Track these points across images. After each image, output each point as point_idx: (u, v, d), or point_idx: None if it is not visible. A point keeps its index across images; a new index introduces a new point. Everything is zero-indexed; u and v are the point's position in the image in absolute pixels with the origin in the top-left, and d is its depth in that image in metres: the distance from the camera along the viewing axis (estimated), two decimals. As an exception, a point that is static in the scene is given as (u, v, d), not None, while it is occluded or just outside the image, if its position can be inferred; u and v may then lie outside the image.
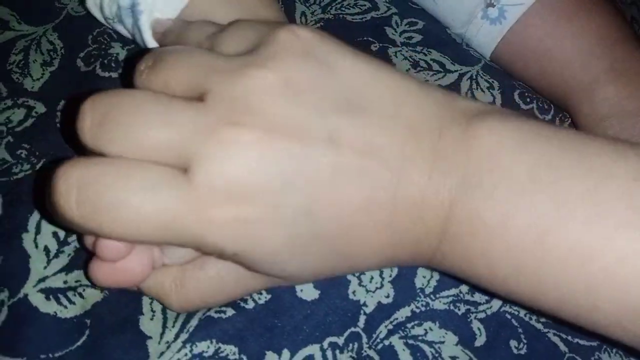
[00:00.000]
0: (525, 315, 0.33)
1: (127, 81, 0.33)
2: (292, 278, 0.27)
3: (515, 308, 0.33)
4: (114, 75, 0.37)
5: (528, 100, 0.41)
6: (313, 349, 0.29)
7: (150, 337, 0.29)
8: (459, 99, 0.26)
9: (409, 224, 0.25)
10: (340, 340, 0.30)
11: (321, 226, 0.24)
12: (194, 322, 0.29)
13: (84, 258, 0.30)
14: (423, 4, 0.44)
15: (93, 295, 0.29)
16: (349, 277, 0.32)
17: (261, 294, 0.30)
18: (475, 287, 0.31)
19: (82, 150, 0.23)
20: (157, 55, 0.24)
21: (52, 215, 0.23)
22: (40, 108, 0.35)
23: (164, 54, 0.24)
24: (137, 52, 0.37)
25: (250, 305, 0.30)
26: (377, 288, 0.32)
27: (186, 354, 0.28)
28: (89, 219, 0.22)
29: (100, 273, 0.25)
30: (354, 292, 0.32)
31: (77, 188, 0.22)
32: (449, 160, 0.24)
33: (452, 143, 0.24)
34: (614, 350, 0.33)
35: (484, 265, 0.25)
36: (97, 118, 0.22)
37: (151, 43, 0.32)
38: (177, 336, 0.29)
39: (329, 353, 0.29)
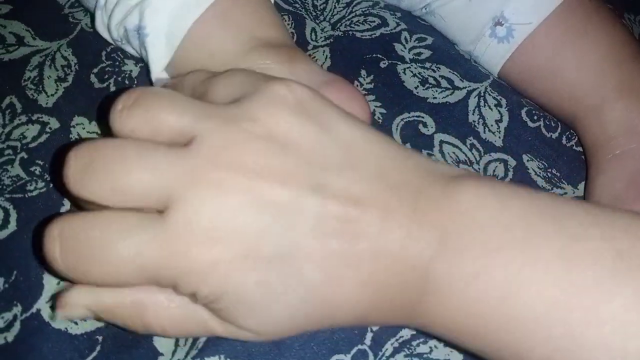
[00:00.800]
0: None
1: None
2: (262, 332, 0.25)
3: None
4: (127, 92, 0.37)
5: (535, 118, 0.41)
6: (320, 367, 0.30)
7: (162, 354, 0.29)
8: (439, 164, 0.27)
9: (390, 277, 0.24)
10: (347, 358, 0.30)
11: (298, 275, 0.23)
12: (203, 339, 0.30)
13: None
14: (432, 21, 0.45)
15: (105, 313, 0.30)
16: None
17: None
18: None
19: (72, 199, 0.24)
20: (138, 94, 0.24)
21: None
22: (55, 124, 0.36)
23: (147, 94, 0.24)
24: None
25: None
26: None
27: (195, 370, 0.29)
28: (73, 269, 0.23)
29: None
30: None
31: (59, 241, 0.23)
32: (427, 218, 0.24)
33: (431, 202, 0.25)
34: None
35: (454, 323, 0.25)
36: (80, 166, 0.23)
37: (156, 67, 0.33)
38: (187, 354, 0.29)
39: (335, 371, 0.30)
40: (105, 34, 0.36)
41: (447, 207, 0.24)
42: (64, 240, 0.23)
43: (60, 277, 0.24)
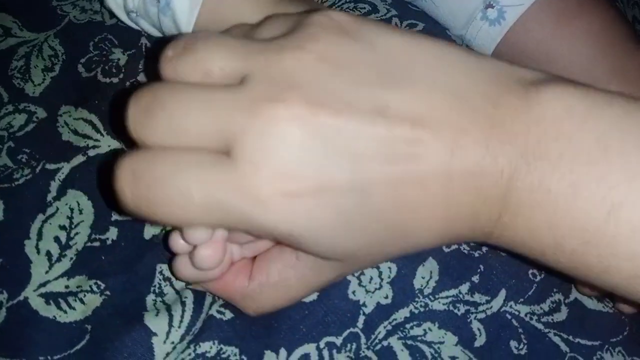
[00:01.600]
0: (526, 316, 0.33)
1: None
2: (352, 260, 0.25)
3: (516, 308, 0.33)
4: (115, 80, 0.37)
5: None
6: (309, 348, 0.29)
7: (156, 334, 0.29)
8: (516, 67, 0.25)
9: (465, 196, 0.23)
10: (338, 341, 0.30)
11: (372, 201, 0.23)
12: (198, 324, 0.29)
13: (85, 262, 0.30)
14: (423, 6, 0.44)
15: (93, 301, 0.30)
16: (349, 277, 0.32)
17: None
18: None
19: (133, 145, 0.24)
20: (187, 41, 0.24)
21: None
22: (41, 113, 0.35)
23: (195, 40, 0.24)
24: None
25: (248, 307, 0.30)
26: (376, 289, 0.32)
27: (190, 354, 0.28)
28: (143, 205, 0.23)
29: (182, 267, 0.27)
30: (353, 292, 0.32)
31: (130, 179, 0.22)
32: (506, 129, 0.23)
33: (510, 111, 0.23)
34: (617, 349, 0.33)
35: (549, 238, 0.23)
36: (141, 110, 0.22)
37: (185, 26, 0.33)
38: (182, 338, 0.29)
39: (325, 352, 0.29)
40: (116, 9, 0.36)
41: (529, 116, 0.23)
42: (135, 177, 0.22)
43: (129, 214, 0.23)
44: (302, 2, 0.33)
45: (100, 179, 0.33)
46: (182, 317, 0.30)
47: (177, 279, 0.30)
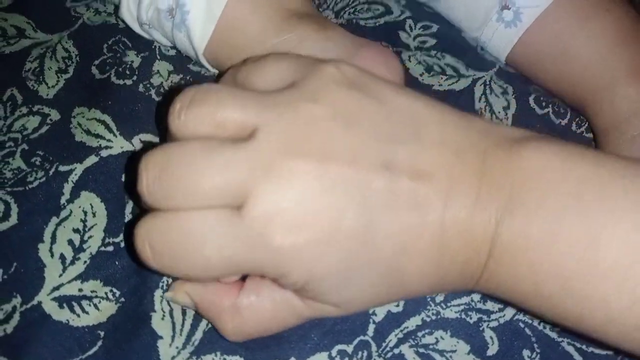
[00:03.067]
0: (539, 324, 0.33)
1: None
2: (346, 306, 0.27)
3: (529, 317, 0.33)
4: (129, 82, 0.37)
5: (544, 104, 0.40)
6: (321, 357, 0.29)
7: (161, 337, 0.29)
8: (501, 126, 0.27)
9: (457, 245, 0.25)
10: (350, 348, 0.30)
11: (375, 249, 0.24)
12: (198, 335, 0.29)
13: (100, 267, 0.31)
14: (437, 8, 0.44)
15: (109, 309, 0.30)
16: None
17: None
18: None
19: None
20: (196, 93, 0.24)
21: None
22: (55, 115, 0.36)
23: (206, 91, 0.24)
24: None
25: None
26: (387, 296, 0.32)
27: (194, 366, 0.29)
28: (166, 269, 0.25)
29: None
30: (364, 301, 0.32)
31: (149, 251, 0.24)
32: (495, 181, 0.25)
33: (497, 164, 0.25)
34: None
35: (529, 284, 0.25)
36: (152, 177, 0.23)
37: (199, 42, 0.34)
38: (184, 345, 0.29)
39: (337, 361, 0.29)
40: (130, 20, 0.37)
41: (513, 169, 0.25)
42: (153, 246, 0.24)
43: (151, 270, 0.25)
44: (310, 18, 0.33)
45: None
46: (182, 325, 0.30)
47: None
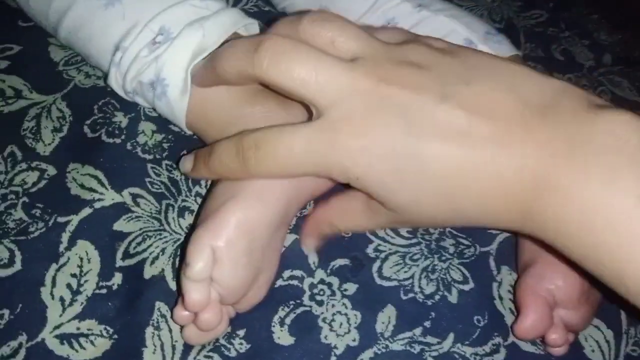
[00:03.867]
0: (470, 356, 0.39)
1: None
2: (402, 212, 0.31)
3: (463, 349, 0.39)
4: (118, 141, 0.42)
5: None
6: (290, 386, 0.34)
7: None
8: (582, 90, 0.29)
9: (506, 187, 0.27)
10: (313, 378, 0.35)
11: (425, 170, 0.28)
12: (188, 363, 0.34)
13: (95, 307, 0.35)
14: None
15: (103, 344, 0.34)
16: (321, 323, 0.38)
17: (241, 343, 0.36)
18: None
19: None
20: (324, 14, 0.32)
21: None
22: (52, 170, 0.40)
23: (333, 16, 0.32)
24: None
25: (233, 354, 0.35)
26: (345, 333, 0.38)
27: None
28: (255, 172, 0.32)
29: (191, 334, 0.34)
30: (325, 337, 0.37)
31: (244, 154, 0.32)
32: (562, 132, 0.26)
33: (567, 118, 0.27)
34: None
35: (569, 233, 0.26)
36: (271, 53, 0.30)
37: (179, 112, 0.38)
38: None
39: (304, 390, 0.35)
40: (117, 88, 0.41)
41: (585, 124, 0.26)
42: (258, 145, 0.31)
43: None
44: (274, 95, 0.37)
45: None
46: (172, 356, 0.34)
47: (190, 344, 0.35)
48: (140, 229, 0.38)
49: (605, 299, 0.42)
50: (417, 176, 0.29)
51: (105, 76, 0.41)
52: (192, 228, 0.38)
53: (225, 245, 0.32)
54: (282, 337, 0.37)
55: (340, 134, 0.29)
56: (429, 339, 0.39)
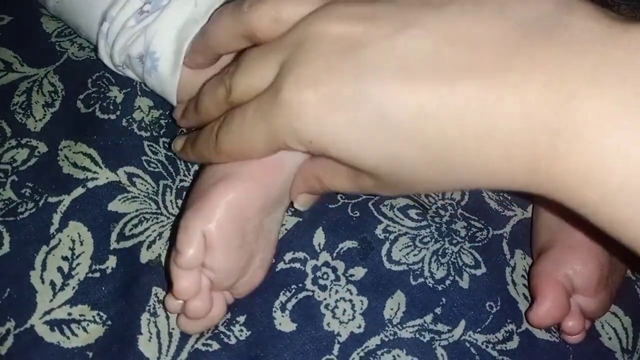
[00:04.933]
0: (482, 344, 0.37)
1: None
2: (382, 174, 0.26)
3: (474, 337, 0.37)
4: (113, 117, 0.40)
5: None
6: (292, 376, 0.33)
7: (148, 358, 0.32)
8: (592, 3, 0.22)
9: (506, 132, 0.21)
10: (317, 367, 0.33)
11: (385, 113, 0.23)
12: (183, 356, 0.32)
13: (87, 292, 0.33)
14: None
15: (96, 331, 0.32)
16: (323, 310, 0.36)
17: (242, 330, 0.34)
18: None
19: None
20: None
21: None
22: (43, 147, 0.38)
23: None
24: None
25: (233, 341, 0.34)
26: (349, 320, 0.36)
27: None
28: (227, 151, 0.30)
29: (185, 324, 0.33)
30: (328, 324, 0.35)
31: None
32: (575, 60, 0.20)
33: (593, 43, 0.20)
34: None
35: (598, 183, 0.20)
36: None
37: (170, 87, 0.36)
38: (171, 362, 0.32)
39: (306, 378, 0.33)
40: (106, 60, 0.39)
41: (609, 46, 0.20)
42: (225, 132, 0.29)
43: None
44: None
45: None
46: (168, 346, 0.33)
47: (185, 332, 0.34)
48: (137, 210, 0.36)
49: (634, 270, 0.39)
50: (379, 128, 0.23)
51: (96, 49, 0.39)
52: (182, 210, 0.36)
53: (216, 230, 0.30)
54: (284, 323, 0.35)
55: (286, 91, 0.25)
56: (440, 327, 0.37)
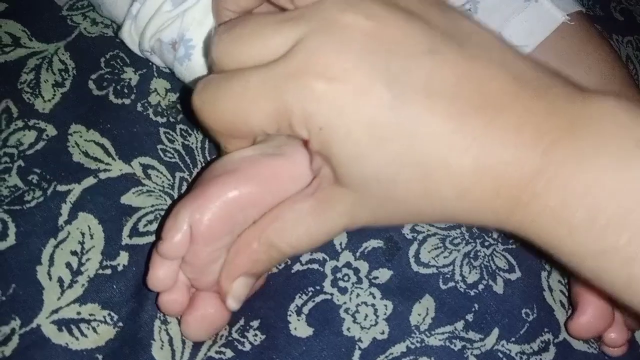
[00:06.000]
0: (516, 355, 0.34)
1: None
2: (362, 190, 0.25)
3: (508, 347, 0.35)
4: (127, 101, 0.37)
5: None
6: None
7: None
8: (566, 80, 0.25)
9: (488, 178, 0.23)
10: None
11: (405, 126, 0.23)
12: (198, 363, 0.30)
13: (98, 290, 0.31)
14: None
15: (107, 332, 0.30)
16: (343, 314, 0.34)
17: (256, 335, 0.32)
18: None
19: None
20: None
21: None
22: (52, 131, 0.35)
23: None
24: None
25: (247, 347, 0.32)
26: (372, 325, 0.34)
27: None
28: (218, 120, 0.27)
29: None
30: (348, 329, 0.33)
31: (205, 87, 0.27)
32: (551, 117, 0.23)
33: (558, 102, 0.23)
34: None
35: (566, 230, 0.23)
36: (223, 41, 0.27)
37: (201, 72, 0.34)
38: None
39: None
40: (131, 44, 0.36)
41: (583, 108, 0.23)
42: (210, 101, 0.27)
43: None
44: None
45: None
46: (182, 353, 0.31)
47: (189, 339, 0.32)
48: (152, 205, 0.34)
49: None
50: (397, 140, 0.24)
51: (116, 26, 0.36)
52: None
53: (206, 223, 0.28)
54: (299, 327, 0.33)
55: (307, 72, 0.24)
56: (471, 335, 0.34)
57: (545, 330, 0.36)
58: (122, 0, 0.35)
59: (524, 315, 0.36)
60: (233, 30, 0.27)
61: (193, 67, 0.34)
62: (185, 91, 0.38)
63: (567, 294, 0.37)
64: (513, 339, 0.35)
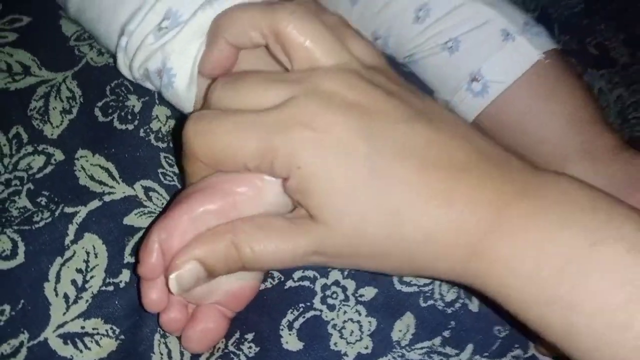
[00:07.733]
0: (489, 369, 0.37)
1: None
2: (338, 228, 0.28)
3: (481, 363, 0.37)
4: (130, 127, 0.40)
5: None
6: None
7: (160, 379, 0.32)
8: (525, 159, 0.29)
9: (443, 241, 0.27)
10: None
11: (380, 180, 0.27)
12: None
13: (101, 305, 0.33)
14: (414, 69, 0.48)
15: (109, 345, 0.33)
16: (331, 330, 0.36)
17: (250, 347, 0.34)
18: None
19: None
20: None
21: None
22: (59, 155, 0.38)
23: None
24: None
25: (243, 359, 0.34)
26: (357, 340, 0.36)
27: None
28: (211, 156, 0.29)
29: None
30: (335, 344, 0.36)
31: (199, 133, 0.29)
32: (517, 187, 0.27)
33: (524, 176, 0.27)
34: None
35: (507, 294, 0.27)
36: (222, 87, 0.30)
37: (185, 102, 0.36)
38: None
39: (315, 401, 0.33)
40: (126, 73, 0.39)
41: (533, 180, 0.27)
42: (203, 132, 0.29)
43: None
44: None
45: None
46: (180, 364, 0.33)
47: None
48: (152, 225, 0.36)
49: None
50: (370, 185, 0.27)
51: (115, 59, 0.39)
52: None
53: (174, 242, 0.29)
54: (291, 342, 0.35)
55: (295, 121, 0.27)
56: (448, 350, 0.37)
57: (516, 346, 0.38)
58: (114, 33, 0.38)
59: (496, 332, 0.38)
60: (235, 79, 0.30)
61: (176, 93, 0.36)
62: (179, 121, 0.41)
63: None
64: (486, 354, 0.37)
